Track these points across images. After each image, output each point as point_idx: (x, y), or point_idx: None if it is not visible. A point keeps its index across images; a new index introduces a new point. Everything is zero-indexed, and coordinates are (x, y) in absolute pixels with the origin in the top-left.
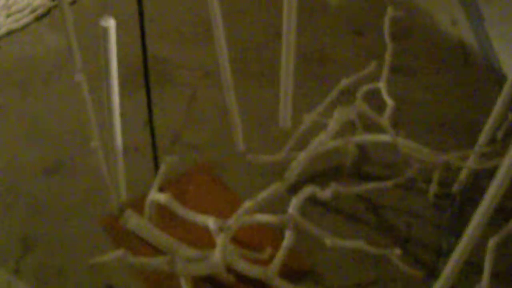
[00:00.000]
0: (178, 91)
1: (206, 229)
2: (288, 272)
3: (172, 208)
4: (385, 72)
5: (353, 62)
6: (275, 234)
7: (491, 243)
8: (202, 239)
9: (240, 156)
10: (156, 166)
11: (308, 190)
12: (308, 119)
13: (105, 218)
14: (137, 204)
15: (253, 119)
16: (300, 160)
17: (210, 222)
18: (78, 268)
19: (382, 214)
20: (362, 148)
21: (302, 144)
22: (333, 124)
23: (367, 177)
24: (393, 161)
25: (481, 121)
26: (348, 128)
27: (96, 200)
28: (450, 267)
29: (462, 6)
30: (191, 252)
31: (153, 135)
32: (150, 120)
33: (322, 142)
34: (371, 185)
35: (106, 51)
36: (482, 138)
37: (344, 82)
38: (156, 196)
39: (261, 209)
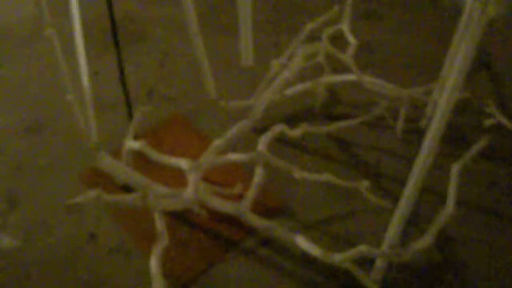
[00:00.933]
0: (151, 47)
1: (180, 174)
2: (261, 210)
3: (147, 153)
4: (347, 13)
5: (324, 11)
6: (246, 175)
7: (454, 169)
8: (176, 184)
9: (213, 104)
10: (131, 119)
11: (277, 128)
12: (277, 63)
13: (84, 172)
14: (115, 155)
15: (224, 68)
16: (266, 97)
17: (183, 163)
18: (61, 220)
19: (352, 152)
20: (331, 90)
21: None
22: (297, 60)
23: (337, 118)
24: (361, 101)
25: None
26: (318, 72)
27: (76, 156)
28: (407, 192)
29: None
30: (164, 189)
31: (125, 89)
32: (122, 75)
33: (287, 78)
34: (340, 124)
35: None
36: (444, 70)
37: (310, 26)
38: (130, 143)
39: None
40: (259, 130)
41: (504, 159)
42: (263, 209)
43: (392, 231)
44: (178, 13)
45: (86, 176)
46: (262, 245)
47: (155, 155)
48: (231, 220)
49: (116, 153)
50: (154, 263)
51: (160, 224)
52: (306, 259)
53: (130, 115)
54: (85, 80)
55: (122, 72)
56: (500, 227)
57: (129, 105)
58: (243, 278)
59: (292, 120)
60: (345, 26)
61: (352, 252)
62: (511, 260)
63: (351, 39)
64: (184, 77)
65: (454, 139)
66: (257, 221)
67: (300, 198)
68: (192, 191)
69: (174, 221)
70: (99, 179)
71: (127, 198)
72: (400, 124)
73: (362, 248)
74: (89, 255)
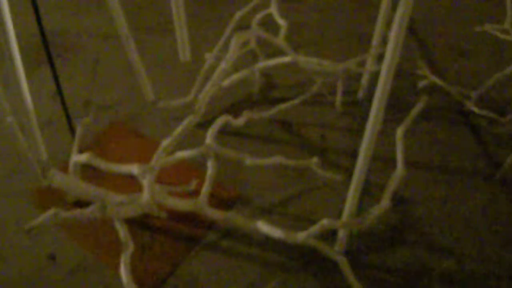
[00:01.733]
0: (81, 59)
1: (132, 181)
2: (217, 202)
3: (95, 165)
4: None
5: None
6: (198, 171)
7: (399, 133)
8: (130, 191)
9: (152, 106)
10: (73, 133)
11: (221, 119)
12: (209, 56)
13: (32, 193)
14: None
15: (159, 68)
16: (208, 91)
17: (134, 168)
18: (15, 244)
19: (296, 131)
20: (267, 76)
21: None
22: (232, 49)
23: (276, 101)
24: (297, 82)
25: (369, 33)
26: (251, 60)
27: (22, 178)
28: (360, 161)
29: None
30: (119, 197)
31: (64, 103)
32: (59, 90)
33: (225, 69)
34: (281, 106)
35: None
36: (375, 40)
37: (238, 15)
38: (77, 157)
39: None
40: (203, 124)
41: (441, 117)
42: (219, 201)
43: (350, 201)
44: (103, 21)
45: (35, 197)
46: (223, 237)
47: (104, 165)
48: (190, 218)
49: (62, 170)
50: (124, 272)
51: (122, 232)
52: (269, 244)
53: (71, 129)
54: (27, 99)
55: (59, 87)
56: (448, 181)
57: (68, 119)
58: (209, 272)
59: (232, 110)
60: (273, 10)
61: (315, 228)
62: (464, 211)
63: (281, 21)
64: (119, 83)
65: (391, 104)
66: (216, 214)
67: (252, 184)
68: (148, 195)
69: (134, 227)
70: (49, 198)
71: (86, 211)
72: (338, 98)
73: (324, 222)
74: (50, 277)
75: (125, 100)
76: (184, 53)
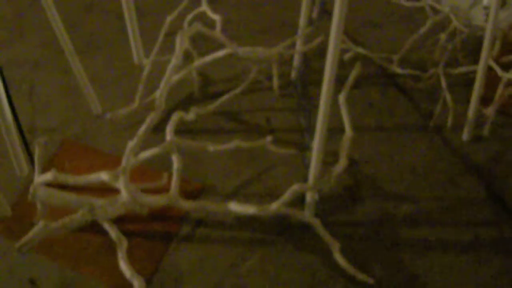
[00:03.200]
0: (16, 88)
1: (97, 191)
2: (185, 197)
3: (61, 180)
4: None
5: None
6: (160, 173)
7: (341, 98)
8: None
9: (99, 119)
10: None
11: (175, 116)
12: (148, 62)
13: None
14: (21, 197)
15: (100, 82)
16: (163, 88)
17: (103, 175)
18: None
19: (242, 119)
20: (203, 74)
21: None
22: (179, 46)
23: (217, 96)
24: (233, 74)
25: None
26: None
27: None
28: (315, 151)
29: None
30: (100, 201)
31: (22, 133)
32: (17, 121)
33: (175, 65)
34: (223, 98)
35: None
36: (301, 22)
37: (169, 18)
38: (41, 178)
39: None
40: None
41: (369, 83)
42: (185, 195)
43: (314, 166)
44: (29, 49)
45: (2, 227)
46: (197, 227)
47: (72, 179)
48: (161, 216)
49: (22, 195)
50: (124, 267)
51: (113, 231)
52: (240, 225)
53: (30, 157)
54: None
55: (16, 118)
56: (389, 138)
57: (26, 146)
58: (191, 262)
59: (179, 108)
60: (205, 7)
61: (287, 195)
62: (408, 160)
63: (215, 16)
64: (60, 105)
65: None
66: (189, 205)
67: (213, 174)
68: (127, 194)
69: (105, 235)
70: (16, 226)
71: (75, 216)
72: (275, 82)
73: (295, 187)
74: None
75: (70, 119)
76: (139, 58)
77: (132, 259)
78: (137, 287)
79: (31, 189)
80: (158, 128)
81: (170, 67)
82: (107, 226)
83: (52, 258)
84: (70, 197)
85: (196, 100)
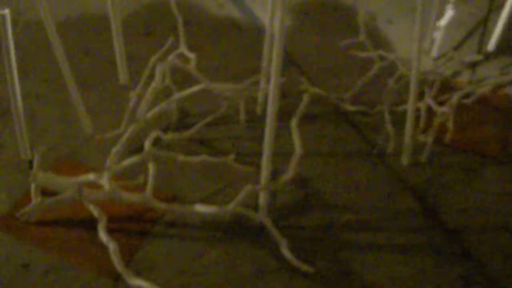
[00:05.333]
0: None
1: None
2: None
3: (55, 183)
4: (182, 40)
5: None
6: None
7: (293, 123)
8: None
9: (92, 139)
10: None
11: (153, 133)
12: (134, 94)
13: None
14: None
15: (93, 111)
16: (145, 101)
17: (90, 175)
18: None
19: (211, 145)
20: (181, 108)
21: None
22: (159, 75)
23: (191, 126)
24: (207, 109)
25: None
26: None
27: None
28: (265, 155)
29: None
30: (89, 190)
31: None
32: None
33: (157, 87)
34: (197, 126)
35: None
36: (264, 63)
37: (153, 59)
38: (38, 176)
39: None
40: (133, 151)
41: (324, 119)
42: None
43: (264, 172)
44: (33, 83)
45: (1, 223)
46: (168, 227)
47: (64, 180)
48: (138, 217)
49: (15, 206)
50: (103, 235)
51: (96, 210)
52: (206, 226)
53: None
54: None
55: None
56: (337, 162)
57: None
58: (162, 254)
59: (157, 139)
60: (183, 48)
61: (241, 195)
62: (353, 179)
63: (191, 55)
64: (56, 128)
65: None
66: (161, 205)
67: (183, 187)
68: (108, 186)
69: (89, 231)
70: (13, 223)
71: (66, 195)
72: (242, 115)
73: (248, 188)
74: (25, 280)
75: (65, 140)
76: (124, 77)
77: (109, 252)
78: (112, 248)
79: (31, 174)
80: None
81: (150, 88)
82: (91, 206)
83: (44, 248)
84: (64, 180)
85: (173, 129)
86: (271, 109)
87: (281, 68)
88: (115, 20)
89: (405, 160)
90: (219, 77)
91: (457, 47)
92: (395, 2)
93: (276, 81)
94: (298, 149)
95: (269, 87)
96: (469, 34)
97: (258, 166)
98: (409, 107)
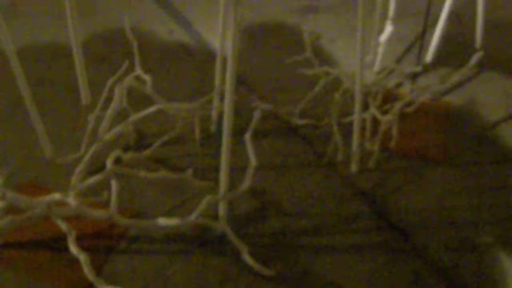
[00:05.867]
0: None
1: None
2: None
3: (18, 202)
4: (136, 60)
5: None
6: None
7: (246, 137)
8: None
9: (52, 163)
10: None
11: (114, 153)
12: (92, 116)
13: None
14: None
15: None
16: (105, 122)
17: (56, 195)
18: None
19: (170, 164)
20: (138, 130)
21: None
22: (117, 96)
23: (149, 146)
24: (164, 129)
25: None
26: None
27: None
28: (223, 166)
29: (175, 19)
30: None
31: None
32: None
33: (116, 107)
34: (154, 146)
35: None
36: (216, 82)
37: (110, 81)
38: (6, 195)
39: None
40: (91, 173)
41: (276, 134)
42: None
43: (223, 182)
44: None
45: None
46: (133, 242)
47: (26, 200)
48: (103, 234)
49: None
50: (74, 248)
51: (64, 224)
52: (169, 239)
53: None
54: None
55: None
56: (290, 173)
57: None
58: (128, 267)
59: (117, 159)
60: (139, 71)
61: (202, 206)
62: (306, 188)
63: (147, 77)
64: (15, 152)
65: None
66: (125, 220)
67: (145, 204)
68: (74, 202)
69: (57, 250)
70: None
71: (35, 211)
72: (197, 133)
73: (208, 198)
74: None
75: (27, 164)
76: (86, 96)
77: (77, 267)
78: (83, 259)
79: (0, 191)
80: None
81: (110, 109)
82: (59, 221)
83: (14, 270)
84: (31, 200)
85: (132, 150)
86: (228, 119)
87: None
88: (76, 42)
89: (354, 167)
90: (173, 99)
91: (399, 60)
92: (337, 22)
93: (230, 98)
94: (253, 160)
95: (224, 104)
96: (409, 48)
97: (215, 181)
98: (355, 118)
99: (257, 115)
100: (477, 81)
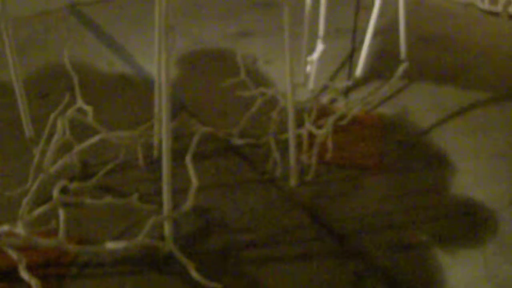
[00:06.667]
0: None
1: None
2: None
3: None
4: (77, 93)
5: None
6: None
7: (187, 159)
8: None
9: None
10: None
11: (60, 183)
12: (38, 150)
13: None
14: None
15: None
16: (50, 154)
17: (5, 226)
18: None
19: (116, 191)
20: (82, 161)
21: None
22: (60, 127)
23: (95, 175)
24: (108, 157)
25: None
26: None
27: None
28: (165, 188)
29: (112, 50)
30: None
31: None
32: None
33: (59, 139)
34: (99, 175)
35: None
36: (156, 110)
37: (53, 115)
38: None
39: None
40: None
41: (218, 155)
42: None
43: (166, 203)
44: None
45: None
46: (83, 268)
47: None
48: (55, 262)
49: None
50: (25, 274)
51: (14, 253)
52: (119, 262)
53: None
54: None
55: None
56: (233, 191)
57: None
58: None
59: (64, 189)
60: (80, 102)
61: (147, 227)
62: (249, 204)
63: (88, 108)
64: None
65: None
66: (74, 247)
67: (94, 230)
68: (24, 233)
69: (6, 282)
70: None
71: None
72: (140, 160)
73: (153, 219)
74: None
75: None
76: (29, 131)
77: None
78: (34, 285)
79: None
80: None
81: (53, 141)
82: (10, 251)
83: None
84: None
85: (78, 180)
86: (166, 143)
87: (173, 113)
88: (17, 79)
89: (293, 181)
90: (115, 129)
91: (332, 76)
92: (271, 45)
93: (167, 123)
94: (194, 180)
95: (162, 129)
96: (341, 64)
97: (159, 204)
98: (290, 134)
99: (195, 138)
100: (408, 91)
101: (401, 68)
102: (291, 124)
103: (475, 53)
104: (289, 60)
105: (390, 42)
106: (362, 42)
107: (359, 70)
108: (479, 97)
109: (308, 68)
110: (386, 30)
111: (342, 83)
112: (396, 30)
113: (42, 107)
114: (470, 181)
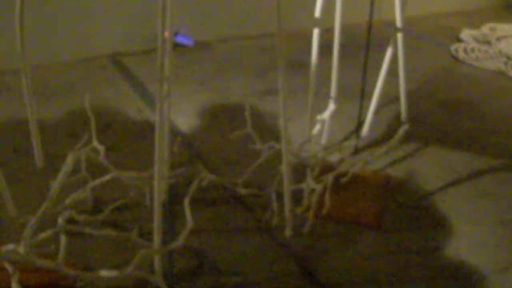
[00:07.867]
0: None
1: None
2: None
3: None
4: (93, 133)
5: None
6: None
7: (185, 202)
8: None
9: (15, 221)
10: None
11: (66, 213)
12: (55, 183)
13: None
14: None
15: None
16: (56, 184)
17: (9, 246)
18: None
19: (122, 226)
20: (96, 197)
21: None
22: (69, 160)
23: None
24: (117, 195)
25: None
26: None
27: None
28: (155, 223)
29: (142, 99)
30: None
31: None
32: None
33: (66, 170)
34: (106, 210)
35: None
36: (156, 157)
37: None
38: None
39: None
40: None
41: (221, 204)
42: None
43: (156, 238)
44: None
45: None
46: None
47: None
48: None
49: None
50: (17, 286)
51: (11, 267)
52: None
53: None
54: None
55: None
56: (230, 237)
57: None
58: None
59: (74, 221)
60: (95, 142)
61: (137, 258)
62: (242, 250)
63: (100, 146)
64: None
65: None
66: (70, 271)
67: (94, 260)
68: (23, 250)
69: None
70: None
71: None
72: (147, 200)
73: (142, 251)
74: None
75: None
76: (39, 160)
77: None
78: None
79: None
80: None
81: (61, 171)
82: (6, 264)
83: None
84: None
85: (88, 213)
86: (158, 191)
87: (187, 161)
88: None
89: (288, 232)
90: (132, 170)
91: (342, 135)
92: (294, 103)
93: (160, 175)
94: (189, 221)
95: (154, 171)
96: (349, 124)
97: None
98: (285, 188)
99: (195, 183)
100: (420, 154)
101: (402, 130)
102: (286, 179)
103: (496, 120)
104: (285, 119)
105: (413, 107)
106: (380, 105)
107: (364, 130)
108: (492, 163)
109: (317, 126)
110: (411, 93)
111: (350, 142)
112: (422, 96)
113: (67, 145)
114: (465, 245)
